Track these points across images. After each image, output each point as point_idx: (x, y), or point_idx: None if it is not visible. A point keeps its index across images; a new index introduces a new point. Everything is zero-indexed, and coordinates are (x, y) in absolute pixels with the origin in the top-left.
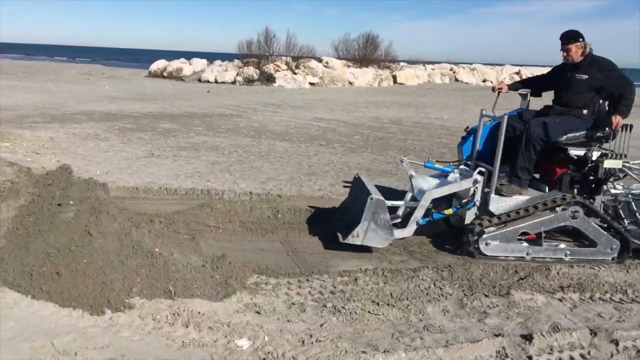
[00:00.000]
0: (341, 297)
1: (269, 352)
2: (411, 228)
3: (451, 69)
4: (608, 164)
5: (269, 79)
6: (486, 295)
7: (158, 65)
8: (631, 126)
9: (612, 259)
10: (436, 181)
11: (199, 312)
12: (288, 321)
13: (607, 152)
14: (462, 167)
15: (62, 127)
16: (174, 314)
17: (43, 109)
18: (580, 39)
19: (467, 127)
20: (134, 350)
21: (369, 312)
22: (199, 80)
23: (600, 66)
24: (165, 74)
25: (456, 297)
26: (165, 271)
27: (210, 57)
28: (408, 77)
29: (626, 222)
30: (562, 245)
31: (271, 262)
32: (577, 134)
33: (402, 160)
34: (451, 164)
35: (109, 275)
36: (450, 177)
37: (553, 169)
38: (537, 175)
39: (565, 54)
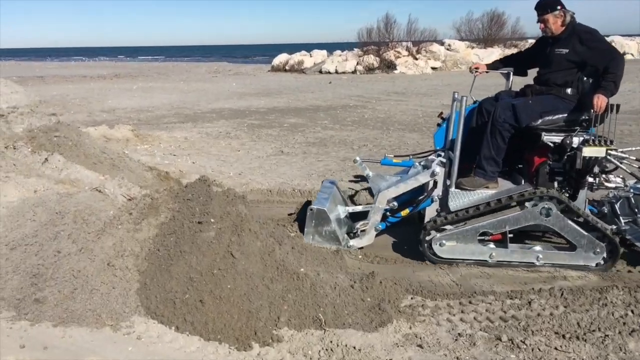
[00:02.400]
0: (516, 327)
1: None
2: (370, 235)
3: None
4: (588, 152)
5: (389, 66)
6: None
7: (280, 59)
8: (618, 106)
9: (596, 265)
10: (395, 179)
11: (354, 347)
12: (457, 359)
13: (591, 138)
14: (431, 157)
15: (195, 127)
16: (327, 350)
17: (177, 108)
18: (559, 7)
19: (441, 113)
20: None
21: (555, 348)
22: (320, 71)
23: (581, 37)
24: (287, 67)
25: None
26: (312, 295)
27: (330, 47)
28: None
29: (622, 221)
30: (537, 248)
31: (424, 278)
32: (555, 116)
33: (355, 161)
34: (412, 156)
35: (254, 302)
36: (411, 171)
37: (531, 159)
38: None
39: (542, 25)
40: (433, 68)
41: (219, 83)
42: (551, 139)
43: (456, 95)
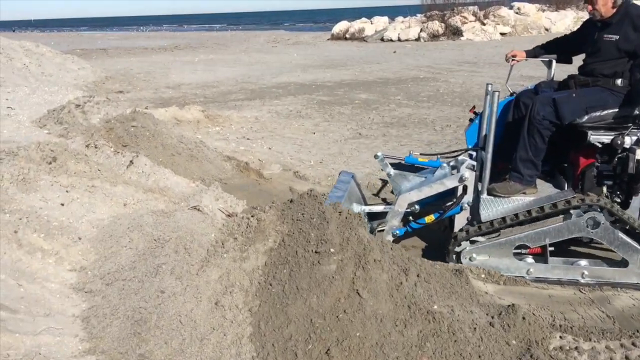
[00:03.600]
0: None
1: None
2: (387, 239)
3: None
4: None
5: (455, 32)
6: None
7: (340, 27)
8: None
9: None
10: (420, 179)
11: None
12: None
13: None
14: (461, 158)
15: (263, 105)
16: None
17: (242, 83)
18: None
19: (474, 107)
20: None
21: None
22: (382, 39)
23: (635, 22)
24: (347, 35)
25: None
26: (453, 342)
27: (391, 12)
28: None
29: None
30: (583, 263)
31: (567, 308)
32: (604, 112)
33: (377, 156)
34: (440, 156)
35: (389, 354)
36: (438, 173)
37: (577, 160)
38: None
39: (590, 7)
40: (502, 34)
41: (280, 54)
42: (599, 138)
43: (489, 88)
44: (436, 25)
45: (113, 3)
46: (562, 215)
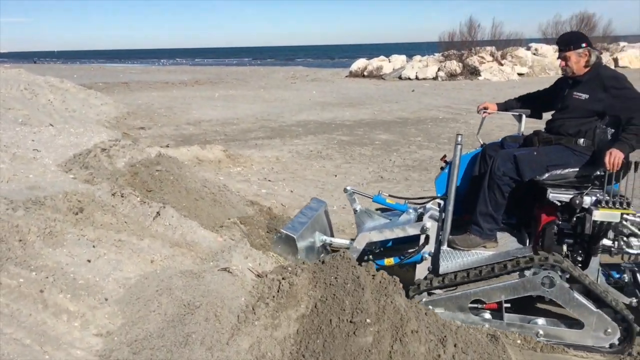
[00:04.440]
0: None
1: None
2: None
3: None
4: (599, 215)
5: (473, 72)
6: None
7: (358, 65)
8: (637, 164)
9: (610, 347)
10: (384, 221)
11: None
12: None
13: (604, 198)
14: (429, 206)
15: (284, 144)
16: None
17: (262, 120)
18: (584, 44)
19: (444, 156)
20: None
21: None
22: (400, 77)
23: (605, 82)
24: (365, 73)
25: None
26: None
27: (408, 48)
28: (632, 59)
29: None
30: (540, 321)
31: None
32: (565, 171)
33: (346, 190)
34: (408, 201)
35: None
36: (402, 217)
37: (539, 216)
38: None
39: (562, 63)
40: (519, 74)
41: (299, 91)
42: (558, 196)
43: (459, 139)
44: (454, 65)
45: (132, 34)
46: (518, 273)
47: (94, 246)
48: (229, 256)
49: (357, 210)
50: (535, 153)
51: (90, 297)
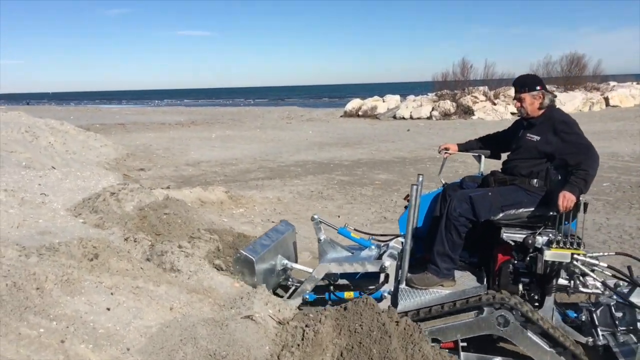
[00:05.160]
0: None
1: None
2: (295, 301)
3: None
4: (550, 255)
5: (466, 111)
6: None
7: (353, 104)
8: (585, 205)
9: None
10: (346, 254)
11: None
12: None
13: (556, 238)
14: (392, 244)
15: (284, 185)
16: None
17: (261, 161)
18: (538, 87)
19: (407, 195)
20: None
21: None
22: (394, 117)
23: (556, 126)
24: (360, 112)
25: None
26: None
27: (397, 88)
28: (622, 98)
29: (600, 333)
30: (497, 359)
31: None
32: (519, 210)
33: (313, 219)
34: (372, 237)
35: None
36: (364, 253)
37: (495, 255)
38: None
39: (518, 104)
40: (512, 113)
41: (295, 130)
42: (512, 236)
43: (420, 179)
44: (448, 105)
45: (126, 76)
46: (474, 312)
47: (112, 293)
48: (249, 303)
49: (321, 240)
50: (490, 193)
51: (112, 347)
